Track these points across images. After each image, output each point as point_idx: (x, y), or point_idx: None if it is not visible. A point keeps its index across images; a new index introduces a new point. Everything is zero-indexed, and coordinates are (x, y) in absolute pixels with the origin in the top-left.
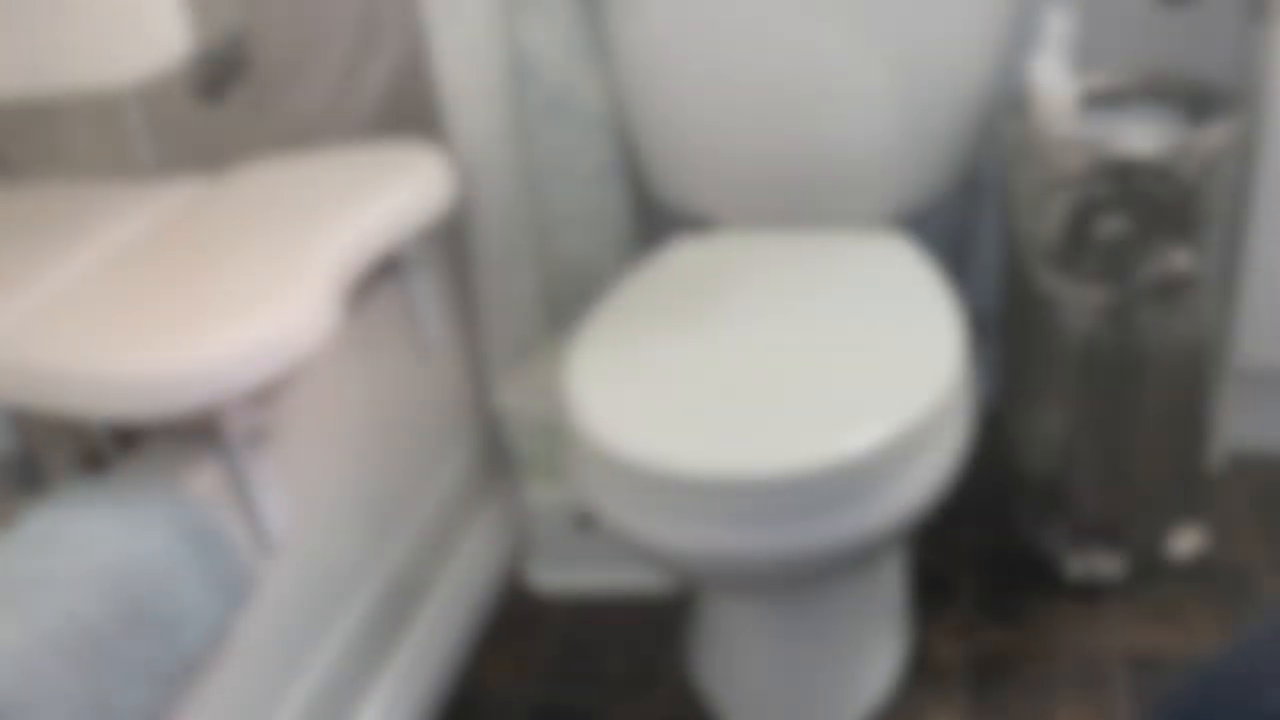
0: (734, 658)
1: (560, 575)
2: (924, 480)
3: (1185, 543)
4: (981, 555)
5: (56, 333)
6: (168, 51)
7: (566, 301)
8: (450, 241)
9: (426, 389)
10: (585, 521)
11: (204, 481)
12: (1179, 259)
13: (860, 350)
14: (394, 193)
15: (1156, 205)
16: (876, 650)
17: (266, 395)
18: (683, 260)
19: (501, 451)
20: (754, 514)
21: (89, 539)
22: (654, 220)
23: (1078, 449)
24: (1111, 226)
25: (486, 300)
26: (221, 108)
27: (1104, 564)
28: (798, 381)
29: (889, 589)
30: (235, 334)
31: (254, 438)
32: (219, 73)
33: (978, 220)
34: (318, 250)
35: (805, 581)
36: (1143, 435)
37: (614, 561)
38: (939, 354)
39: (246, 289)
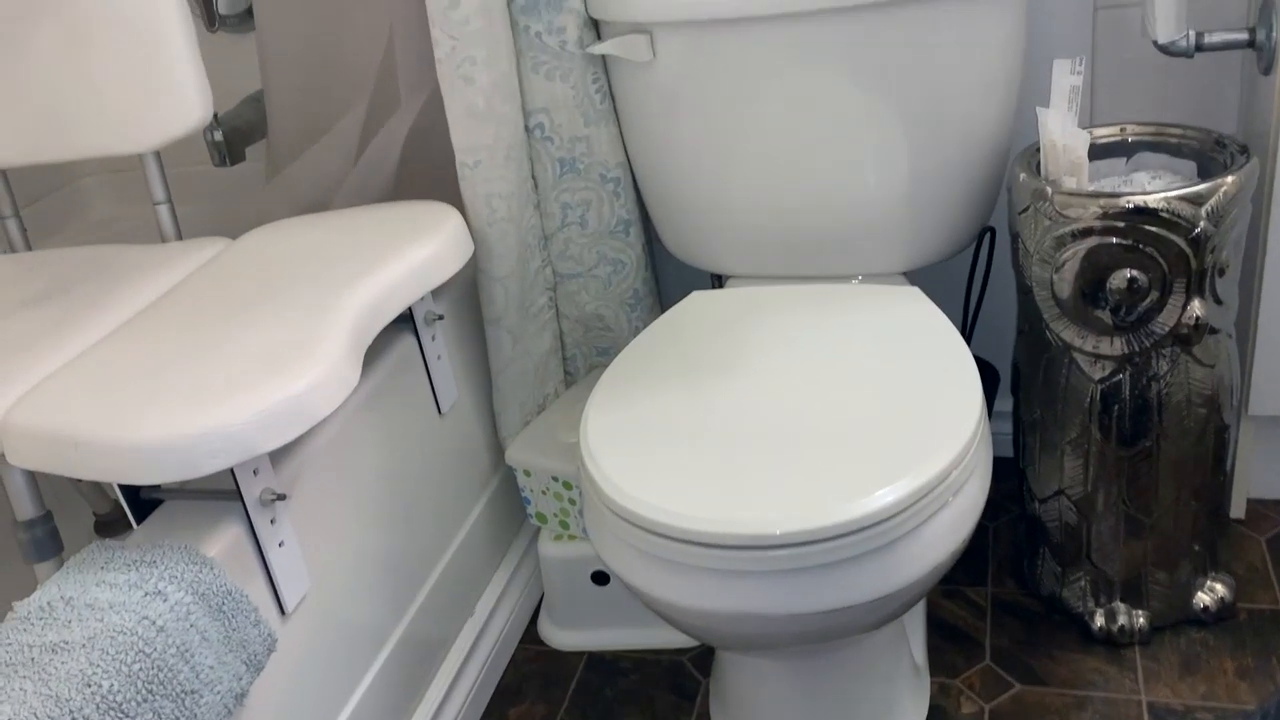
0: (753, 714)
1: (578, 631)
2: (945, 538)
3: (1209, 595)
4: (1003, 608)
5: (78, 398)
6: (190, 118)
7: (582, 356)
8: (466, 297)
9: (442, 445)
10: (602, 578)
11: (223, 544)
12: (1194, 309)
13: (879, 405)
14: (413, 252)
15: (1169, 255)
16: (897, 705)
17: (284, 455)
18: (697, 314)
19: (518, 508)
20: (773, 573)
21: (106, 605)
22: (669, 274)
23: (1097, 501)
24: (1125, 277)
25: (501, 356)
26: (239, 170)
27: (1127, 617)
28: (817, 437)
29: (909, 643)
30: (257, 398)
31: (272, 499)
32: (236, 137)
33: (990, 271)
34: (338, 311)
35: (823, 641)
36: (1162, 486)
37: (631, 617)
38: (959, 408)
39: (268, 351)
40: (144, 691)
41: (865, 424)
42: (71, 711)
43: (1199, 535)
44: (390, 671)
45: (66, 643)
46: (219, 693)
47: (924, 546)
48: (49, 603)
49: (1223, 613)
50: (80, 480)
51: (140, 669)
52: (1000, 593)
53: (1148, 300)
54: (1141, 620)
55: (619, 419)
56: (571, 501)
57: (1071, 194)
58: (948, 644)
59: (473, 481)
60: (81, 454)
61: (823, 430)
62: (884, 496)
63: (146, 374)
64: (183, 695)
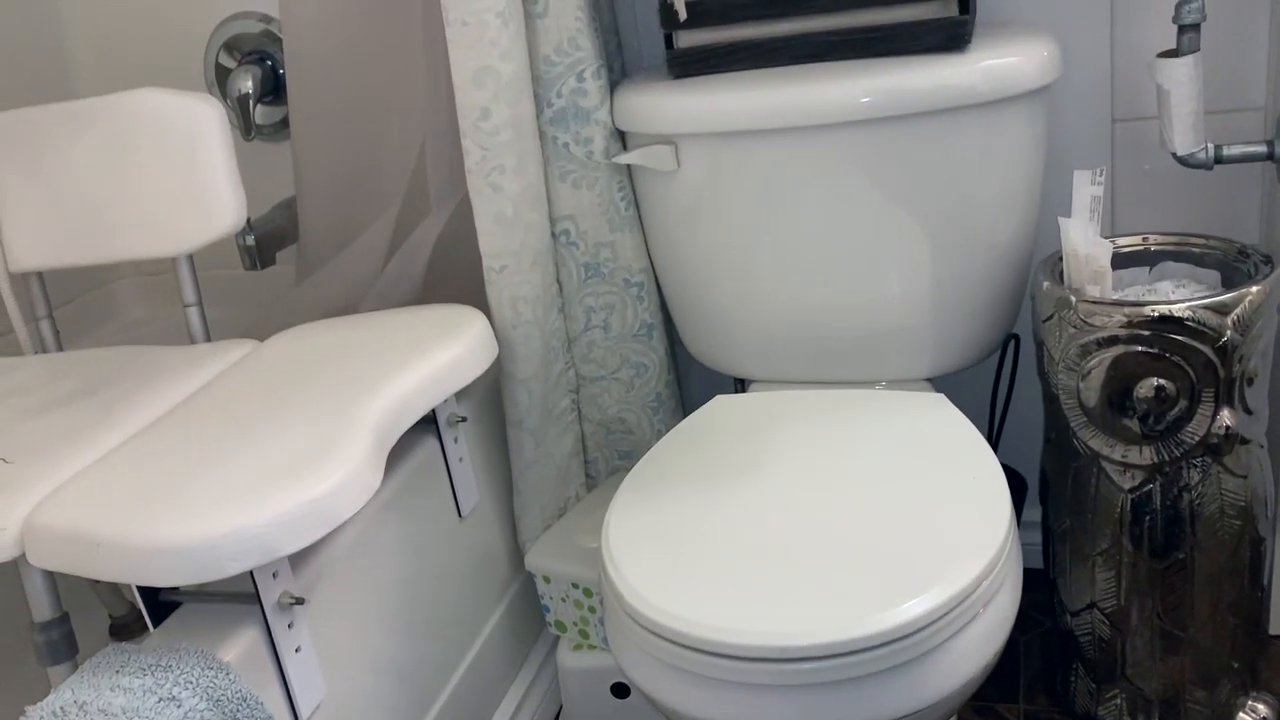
0: None
1: None
2: (976, 651)
3: (1251, 715)
4: None
5: (101, 499)
6: (225, 223)
7: (604, 459)
8: (488, 399)
9: (462, 550)
10: (623, 690)
11: (239, 649)
12: (1224, 418)
13: (906, 514)
14: (438, 355)
15: (1196, 364)
16: None
17: (303, 558)
18: (721, 419)
19: (536, 616)
20: (801, 687)
21: (120, 711)
22: (692, 378)
23: (1131, 615)
24: (1152, 386)
25: (523, 459)
26: (268, 274)
27: None
28: (844, 547)
29: None
30: (279, 500)
31: (290, 603)
32: (268, 241)
33: (1015, 378)
34: (362, 414)
35: None
36: (1198, 600)
37: None
38: (988, 517)
39: (291, 454)
40: None
41: (893, 533)
42: None
43: (1238, 652)
44: None
45: None
46: None
47: (955, 660)
48: (62, 707)
49: None
50: (97, 582)
51: None
52: (1033, 710)
53: (1176, 409)
54: None
55: (642, 524)
56: (591, 609)
57: (1096, 302)
58: None
59: (491, 588)
60: (103, 555)
61: (849, 540)
62: (914, 608)
63: (170, 476)
64: None
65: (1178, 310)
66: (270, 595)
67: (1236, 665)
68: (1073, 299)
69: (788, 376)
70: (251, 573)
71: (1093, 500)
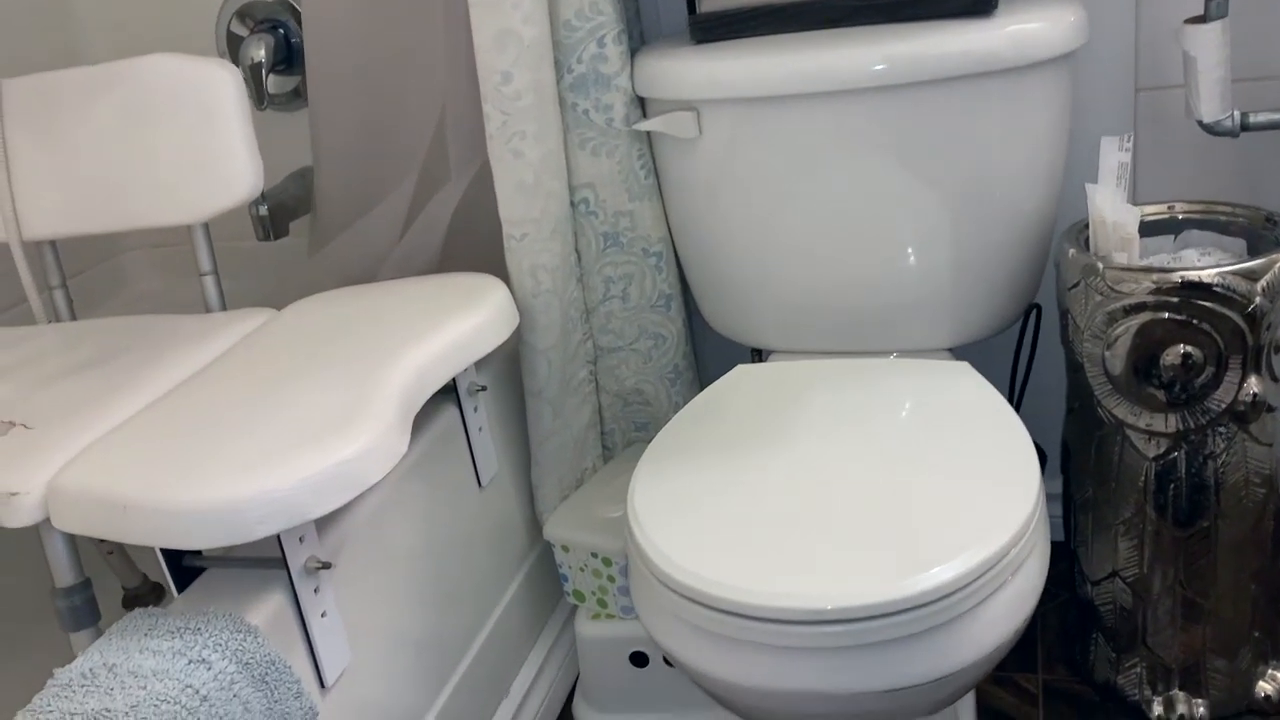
0: None
1: (615, 716)
2: (1006, 617)
3: (1271, 684)
4: (1055, 696)
5: (126, 462)
6: (242, 190)
7: (620, 431)
8: (505, 371)
9: (481, 519)
10: (641, 659)
11: (266, 613)
12: (1251, 385)
13: (935, 480)
14: (461, 322)
15: (1224, 331)
16: None
17: (327, 525)
18: (742, 388)
19: (554, 586)
20: (831, 650)
21: (150, 673)
22: (707, 350)
23: (1153, 583)
24: (1179, 353)
25: (542, 429)
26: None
27: (1187, 706)
28: (871, 512)
29: None
30: (307, 463)
31: (317, 567)
32: (281, 212)
33: (1035, 349)
34: (387, 378)
35: None
36: (1221, 569)
37: (671, 702)
38: (1017, 483)
39: (317, 418)
40: None
41: (921, 499)
42: None
43: (1259, 621)
44: None
45: (109, 710)
46: None
47: (983, 627)
48: (91, 670)
49: None
50: (111, 553)
51: None
52: (1052, 679)
53: (1203, 376)
54: (1202, 710)
55: (667, 490)
56: (610, 579)
57: (1124, 269)
58: None
59: (510, 558)
60: (130, 517)
61: (878, 505)
62: (943, 573)
63: (196, 439)
64: None
65: (1206, 276)
66: (297, 559)
67: (1257, 634)
68: (1100, 266)
69: (807, 347)
70: (279, 537)
71: (1116, 469)
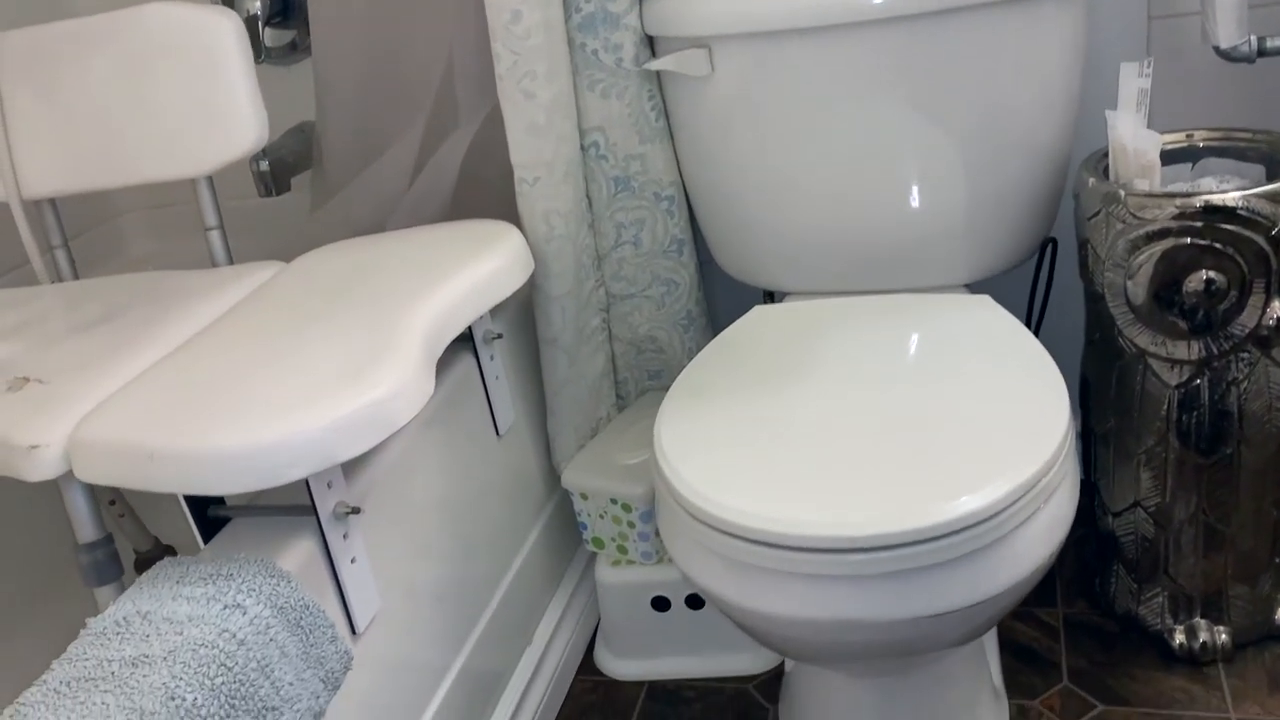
0: None
1: (636, 661)
2: (1039, 544)
3: None
4: (1077, 628)
5: (149, 411)
6: (246, 141)
7: (634, 380)
8: (518, 319)
9: (500, 468)
10: (662, 604)
11: (296, 559)
12: (1275, 309)
13: (965, 410)
14: (478, 267)
15: (1248, 255)
16: None
17: (353, 471)
18: (762, 328)
19: (573, 534)
20: (866, 578)
21: (185, 618)
22: (718, 296)
23: (1175, 512)
24: (1202, 279)
25: (557, 377)
26: (281, 204)
27: (1209, 634)
28: (905, 442)
29: (985, 663)
30: (335, 405)
31: (346, 512)
32: (282, 167)
33: (1051, 284)
34: (410, 322)
35: (911, 655)
36: (1243, 496)
37: (692, 645)
38: (1048, 411)
39: (342, 361)
40: (226, 706)
41: (953, 428)
42: None
43: (1279, 547)
44: (455, 699)
45: (146, 656)
46: (298, 711)
47: (1015, 555)
48: (125, 618)
49: None
50: (123, 515)
51: (223, 683)
52: (1072, 612)
53: (1226, 302)
54: (1224, 636)
55: (693, 428)
56: (630, 525)
57: (1146, 195)
58: (1022, 666)
59: (529, 506)
60: (156, 465)
61: (907, 436)
62: (975, 500)
63: (218, 386)
64: (264, 712)
65: (1230, 200)
66: (326, 505)
67: (1278, 560)
68: (1121, 193)
69: (822, 287)
70: (307, 482)
71: (1138, 399)
